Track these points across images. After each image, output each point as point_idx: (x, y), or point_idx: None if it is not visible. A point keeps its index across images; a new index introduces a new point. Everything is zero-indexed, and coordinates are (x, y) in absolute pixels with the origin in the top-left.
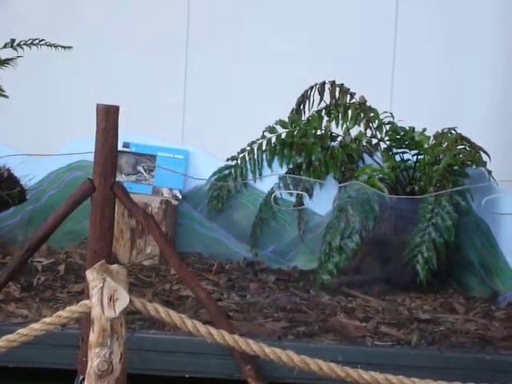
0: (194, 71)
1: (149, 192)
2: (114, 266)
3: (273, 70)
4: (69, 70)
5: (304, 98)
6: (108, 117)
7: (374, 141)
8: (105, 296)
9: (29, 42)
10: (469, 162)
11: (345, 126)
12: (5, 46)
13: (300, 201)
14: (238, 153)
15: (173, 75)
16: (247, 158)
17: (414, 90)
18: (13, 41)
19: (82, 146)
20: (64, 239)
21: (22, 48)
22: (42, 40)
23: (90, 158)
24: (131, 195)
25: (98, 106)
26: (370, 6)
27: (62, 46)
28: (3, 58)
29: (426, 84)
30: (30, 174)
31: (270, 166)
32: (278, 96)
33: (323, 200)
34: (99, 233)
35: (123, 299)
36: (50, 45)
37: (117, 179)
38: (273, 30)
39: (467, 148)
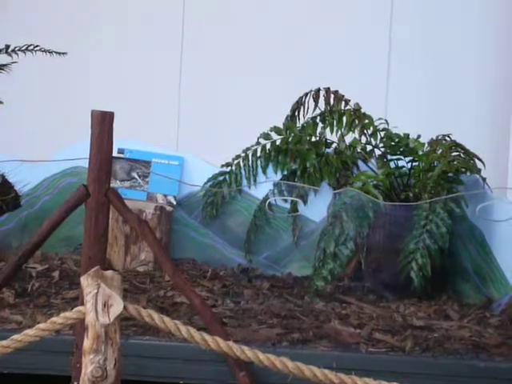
0: (189, 77)
1: (143, 198)
2: (109, 272)
3: (268, 77)
4: (64, 75)
5: (299, 105)
6: (103, 123)
7: (369, 147)
8: (99, 302)
9: (23, 48)
10: (463, 169)
11: (339, 132)
12: None
13: (294, 207)
14: (233, 159)
15: (167, 81)
16: (242, 165)
17: (409, 96)
18: (7, 47)
19: (78, 152)
20: (58, 245)
21: (16, 54)
22: (37, 46)
23: (85, 164)
24: (125, 201)
25: (92, 111)
26: (365, 13)
27: (56, 52)
28: None
29: (420, 91)
30: (24, 179)
31: (264, 172)
32: (272, 103)
33: (318, 207)
34: (93, 239)
35: (117, 305)
36: (45, 50)
37: (111, 185)
38: (268, 37)
39: (462, 155)
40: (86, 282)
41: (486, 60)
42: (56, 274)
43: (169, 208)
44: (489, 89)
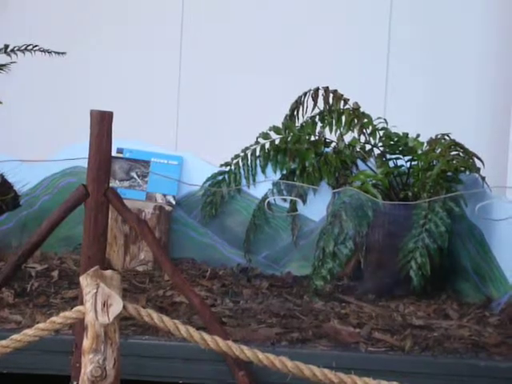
0: (188, 77)
1: (142, 198)
2: (108, 272)
3: (267, 76)
4: (64, 75)
5: (298, 104)
6: (102, 122)
7: (368, 147)
8: (98, 302)
9: (22, 48)
10: (462, 168)
11: (338, 131)
12: None
13: (294, 207)
14: (232, 159)
15: (167, 81)
16: (241, 164)
17: (408, 95)
18: (6, 46)
19: (77, 152)
20: (58, 245)
21: (15, 54)
22: (36, 46)
23: (84, 163)
24: (125, 201)
25: (91, 111)
26: (364, 12)
27: (55, 52)
28: None
29: (419, 90)
30: (23, 179)
31: (263, 171)
32: (272, 102)
33: (317, 206)
34: (93, 239)
35: (117, 305)
36: (44, 50)
37: (110, 185)
38: (267, 36)
39: (461, 154)
40: (86, 281)
41: (486, 60)
42: (55, 273)
43: (168, 207)
44: (489, 89)
